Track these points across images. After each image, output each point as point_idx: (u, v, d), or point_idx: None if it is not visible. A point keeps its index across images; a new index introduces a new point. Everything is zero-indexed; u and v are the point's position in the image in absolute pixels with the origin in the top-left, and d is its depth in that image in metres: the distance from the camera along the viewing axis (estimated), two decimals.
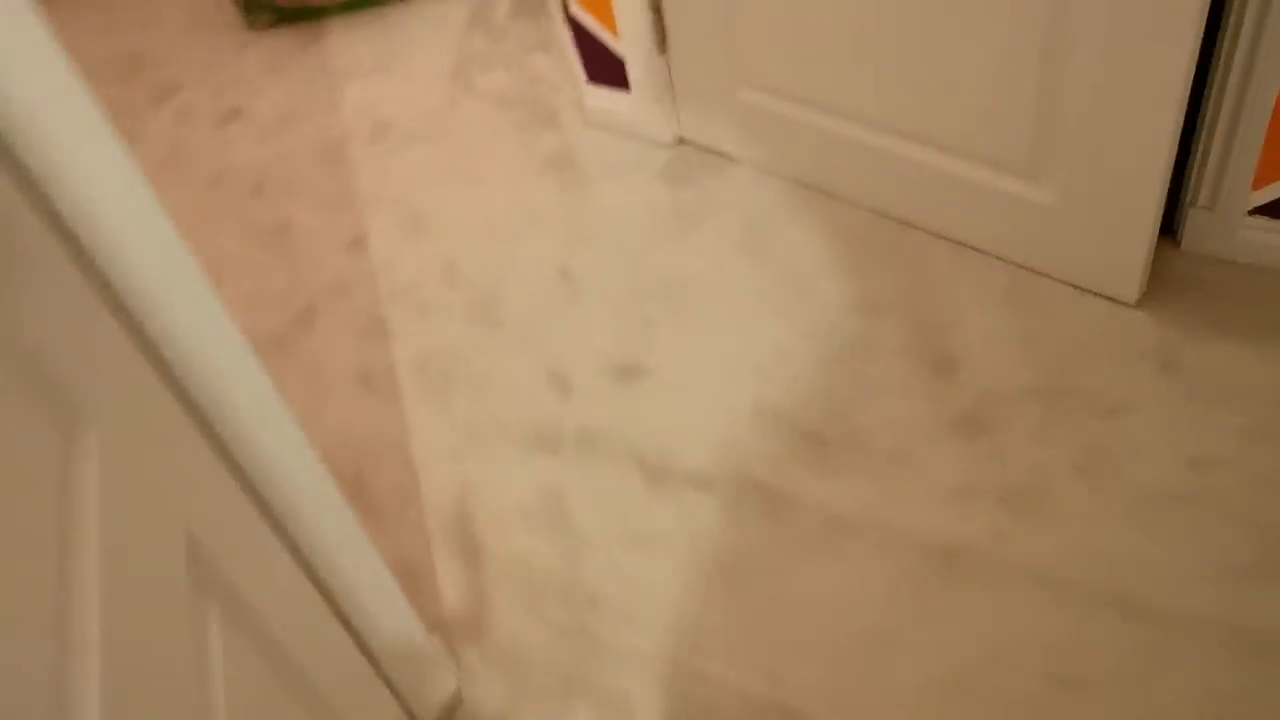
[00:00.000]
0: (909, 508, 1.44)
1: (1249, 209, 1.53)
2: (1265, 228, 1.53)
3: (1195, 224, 1.59)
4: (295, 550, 1.12)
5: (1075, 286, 1.61)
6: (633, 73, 2.01)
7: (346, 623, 1.24)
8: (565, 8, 2.11)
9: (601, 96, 2.10)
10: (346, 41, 2.49)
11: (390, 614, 1.30)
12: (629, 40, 1.96)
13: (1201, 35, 1.29)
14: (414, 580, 1.52)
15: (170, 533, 0.77)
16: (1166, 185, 1.45)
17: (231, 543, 0.94)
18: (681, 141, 2.06)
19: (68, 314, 0.72)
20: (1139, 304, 1.57)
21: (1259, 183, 1.49)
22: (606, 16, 1.97)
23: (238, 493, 1.00)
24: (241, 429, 0.98)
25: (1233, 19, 1.37)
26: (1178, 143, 1.40)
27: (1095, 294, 1.60)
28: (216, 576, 0.84)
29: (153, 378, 0.83)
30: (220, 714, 0.74)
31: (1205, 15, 1.27)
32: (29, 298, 0.65)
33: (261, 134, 2.30)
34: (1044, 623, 1.30)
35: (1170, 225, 1.62)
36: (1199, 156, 1.52)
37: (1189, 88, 1.34)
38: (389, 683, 1.32)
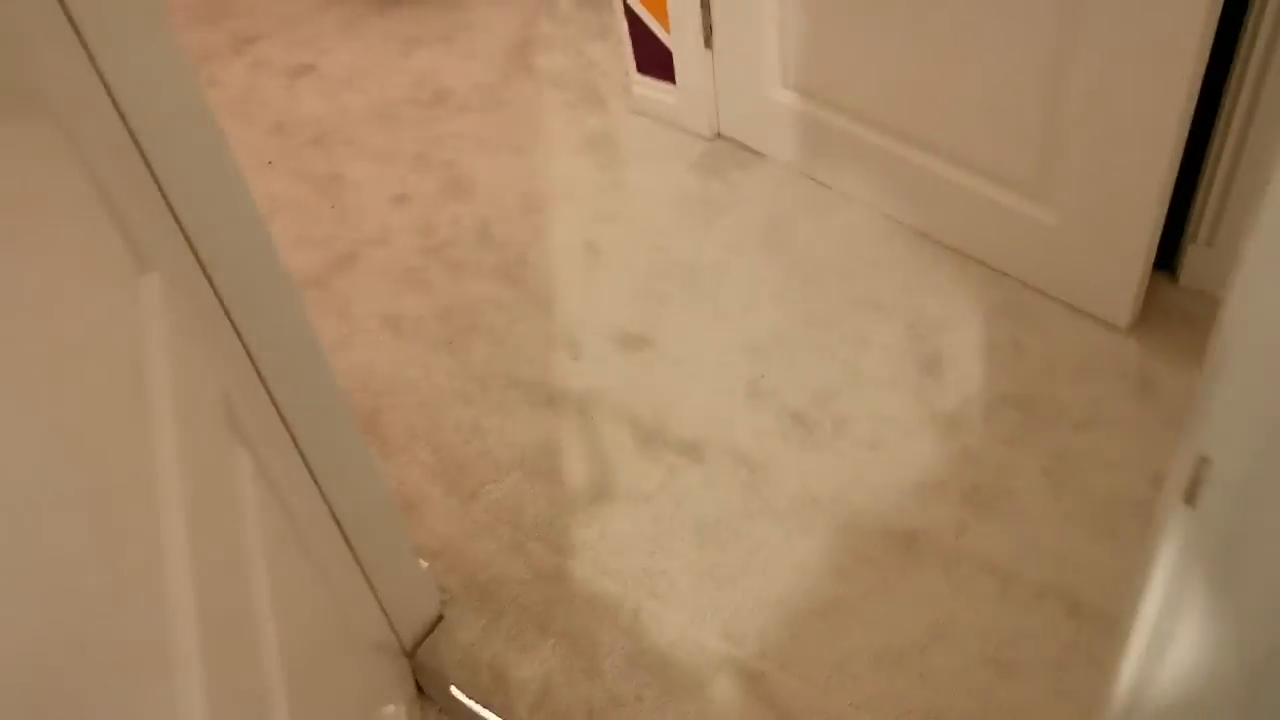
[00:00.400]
0: (878, 492, 1.51)
1: None
2: None
3: (1194, 260, 1.65)
4: (305, 457, 1.22)
5: (1070, 306, 1.68)
6: (679, 66, 2.10)
7: (346, 537, 1.34)
8: None
9: (648, 86, 2.20)
10: (419, 12, 2.62)
11: (386, 536, 1.40)
12: (678, 34, 2.05)
13: (1199, 80, 1.36)
14: (412, 511, 1.63)
15: (212, 381, 0.89)
16: (1162, 218, 1.51)
17: (255, 425, 1.04)
18: (719, 136, 2.15)
19: (132, 185, 0.84)
20: (1130, 330, 1.63)
21: None
22: (660, 10, 2.07)
23: (259, 389, 1.11)
24: (268, 332, 1.08)
25: (1238, 67, 1.43)
26: (1174, 178, 1.46)
27: (1089, 315, 1.66)
28: (246, 435, 0.95)
29: (191, 259, 0.94)
30: (255, 539, 0.85)
31: (1204, 61, 1.33)
32: (107, 163, 0.78)
33: (328, 89, 2.43)
34: (990, 611, 1.37)
35: (1171, 260, 1.68)
36: (1202, 195, 1.58)
37: (1186, 127, 1.40)
38: (377, 597, 1.42)
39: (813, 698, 1.34)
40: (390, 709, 1.39)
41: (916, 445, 1.56)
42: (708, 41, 2.03)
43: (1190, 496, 0.50)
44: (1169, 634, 0.53)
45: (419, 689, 1.49)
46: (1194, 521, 0.51)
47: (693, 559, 1.50)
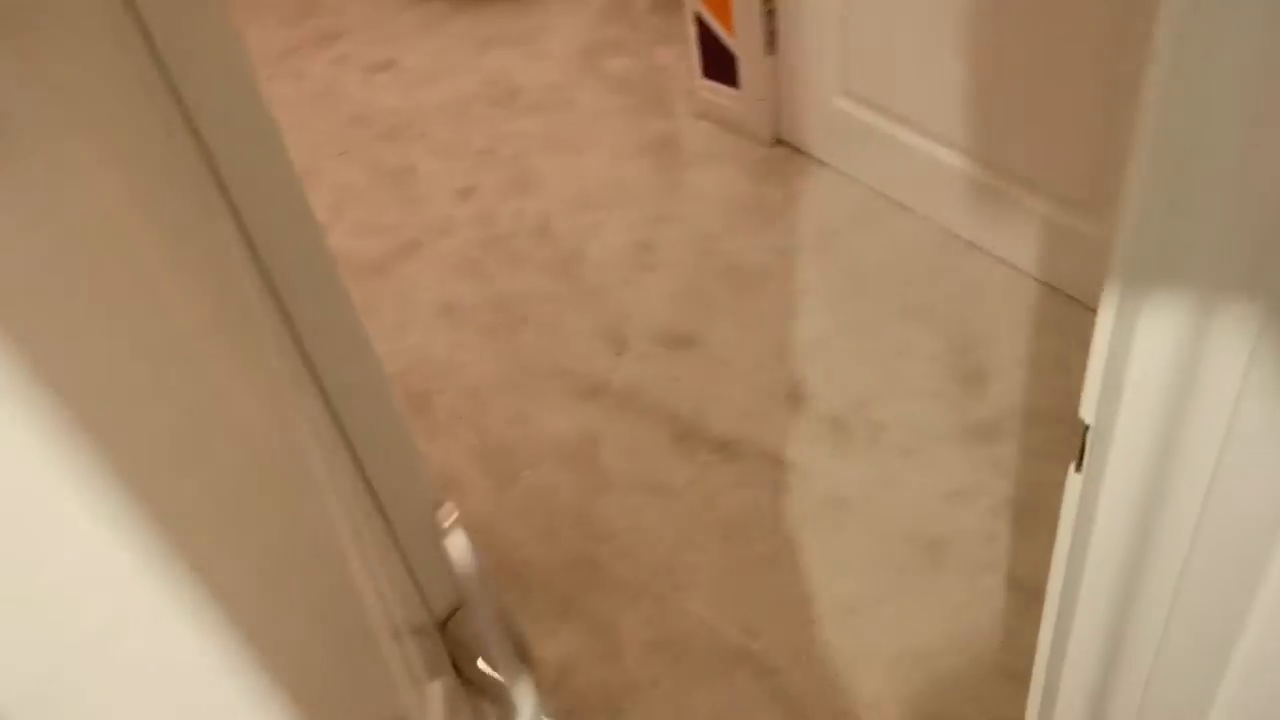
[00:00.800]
0: (909, 498, 1.51)
1: None
2: None
3: None
4: (344, 429, 1.28)
5: None
6: (742, 71, 2.13)
7: (382, 511, 1.39)
8: (691, 3, 2.25)
9: (712, 90, 2.23)
10: (495, 13, 2.69)
11: (422, 512, 1.45)
12: (742, 39, 2.08)
13: None
14: (452, 490, 1.68)
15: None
16: None
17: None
18: (778, 141, 2.17)
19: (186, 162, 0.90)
20: None
21: None
22: (725, 15, 2.10)
23: (299, 360, 1.16)
24: (309, 307, 1.14)
25: None
26: None
27: None
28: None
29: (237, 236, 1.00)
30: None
31: None
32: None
33: (405, 85, 2.51)
34: (1010, 622, 1.36)
35: None
36: None
37: None
38: (409, 569, 1.47)
39: (825, 695, 1.35)
40: (437, 685, 1.45)
41: (951, 455, 1.55)
42: (770, 47, 2.05)
43: (1079, 462, 0.51)
44: (1073, 601, 0.54)
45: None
46: (1083, 485, 0.52)
47: (718, 553, 1.52)
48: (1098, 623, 0.53)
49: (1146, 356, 0.46)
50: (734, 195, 2.07)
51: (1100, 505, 0.51)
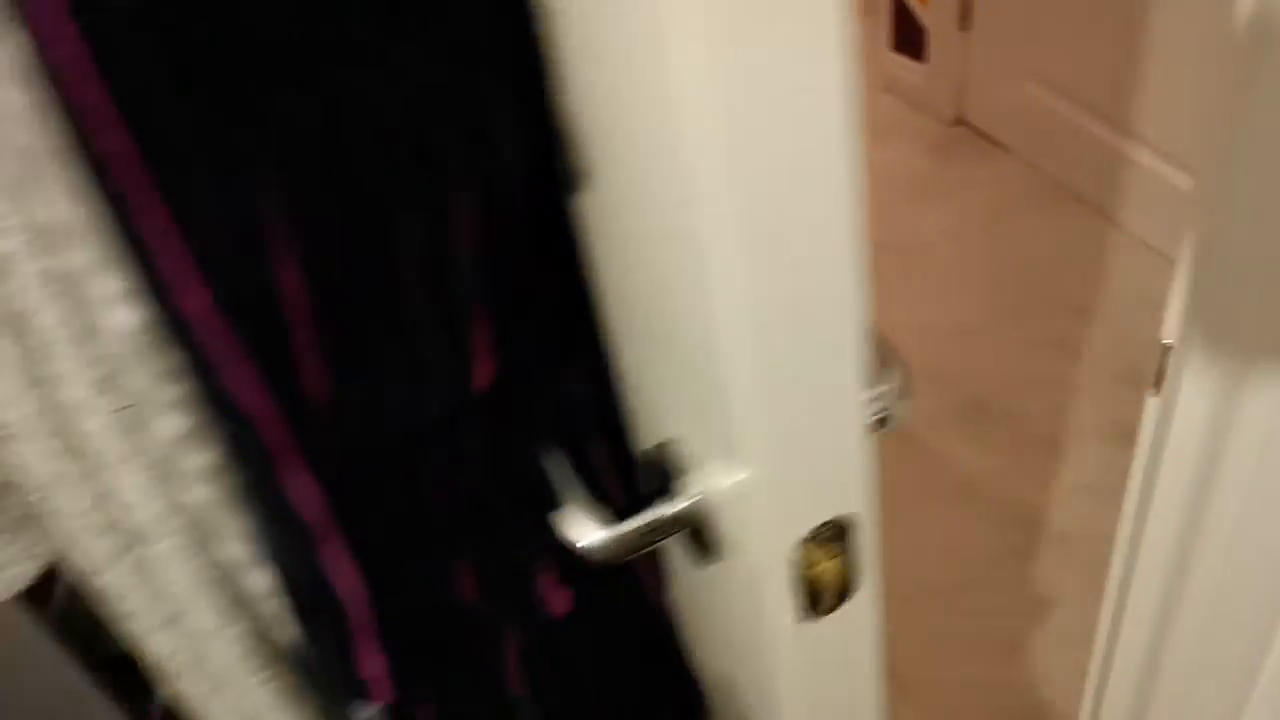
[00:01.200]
0: (1040, 489, 1.49)
1: None
2: None
3: None
4: None
5: None
6: (932, 46, 2.10)
7: None
8: None
9: (899, 64, 2.20)
10: None
11: None
12: (935, 14, 2.05)
13: None
14: None
15: None
16: None
17: None
18: (960, 121, 2.13)
19: None
20: None
21: None
22: None
23: None
24: None
25: None
26: None
27: None
28: None
29: None
30: None
31: None
32: None
33: None
34: None
35: None
36: None
37: None
38: None
39: (912, 667, 1.36)
40: None
41: (1091, 452, 1.52)
42: (964, 24, 2.01)
43: (1157, 384, 0.52)
44: (1144, 522, 0.55)
45: None
46: (1160, 407, 0.53)
47: None
48: (1166, 540, 0.54)
49: (1230, 283, 0.47)
50: (908, 171, 2.06)
51: (1174, 426, 0.52)
